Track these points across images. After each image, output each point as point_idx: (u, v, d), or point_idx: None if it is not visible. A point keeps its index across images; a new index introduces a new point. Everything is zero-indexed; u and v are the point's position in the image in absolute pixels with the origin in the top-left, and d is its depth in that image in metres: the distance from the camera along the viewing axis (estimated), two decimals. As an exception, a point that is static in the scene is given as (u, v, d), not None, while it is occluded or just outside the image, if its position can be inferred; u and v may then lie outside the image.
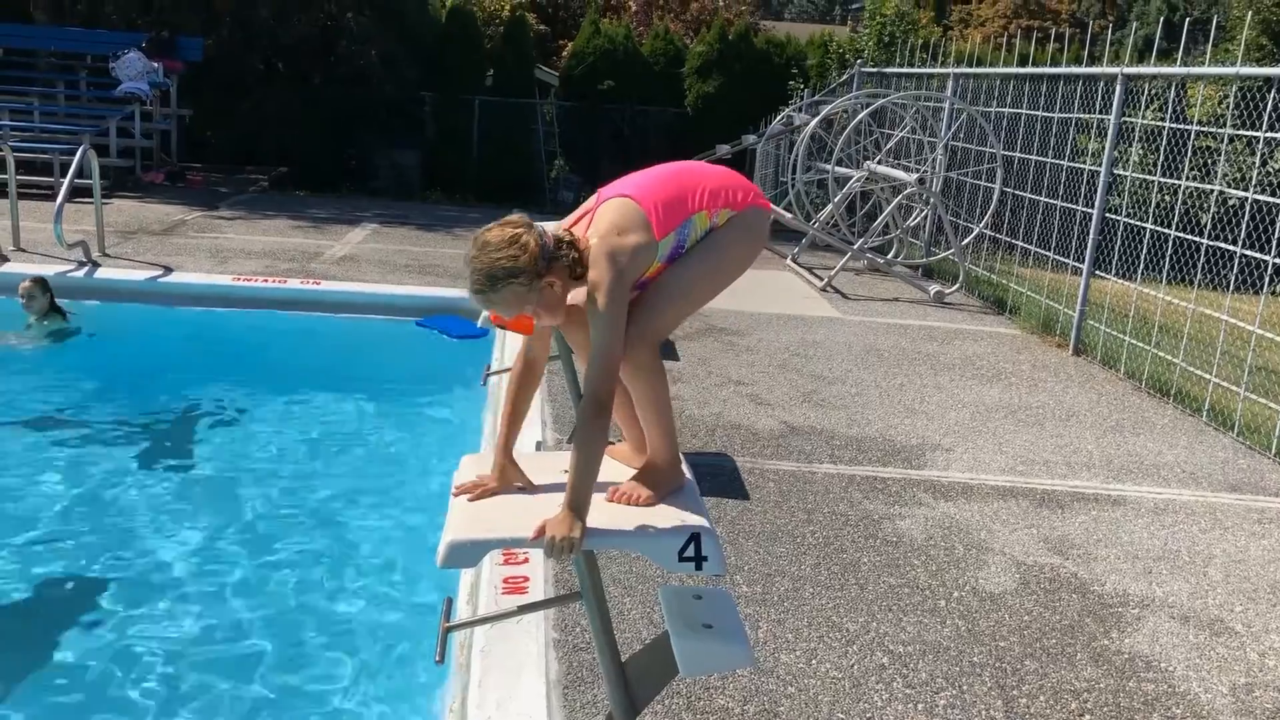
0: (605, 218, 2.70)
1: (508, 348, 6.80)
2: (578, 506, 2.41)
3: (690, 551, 2.42)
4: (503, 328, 2.80)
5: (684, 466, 2.84)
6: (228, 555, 4.50)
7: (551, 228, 2.68)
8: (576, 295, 2.68)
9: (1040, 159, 9.07)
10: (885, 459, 5.25)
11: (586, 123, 17.46)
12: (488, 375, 5.79)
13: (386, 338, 7.93)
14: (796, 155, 11.48)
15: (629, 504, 2.63)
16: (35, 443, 5.65)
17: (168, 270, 8.45)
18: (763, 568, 3.92)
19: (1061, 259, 8.44)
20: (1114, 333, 7.53)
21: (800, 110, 14.12)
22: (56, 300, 7.23)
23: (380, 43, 16.32)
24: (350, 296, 8.22)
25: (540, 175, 17.97)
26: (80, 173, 8.97)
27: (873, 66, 13.78)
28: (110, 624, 3.92)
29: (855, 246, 10.13)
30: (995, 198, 9.81)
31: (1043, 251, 8.83)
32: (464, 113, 17.38)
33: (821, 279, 9.83)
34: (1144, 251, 7.29)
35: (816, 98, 14.55)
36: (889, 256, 10.80)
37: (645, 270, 2.71)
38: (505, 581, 3.61)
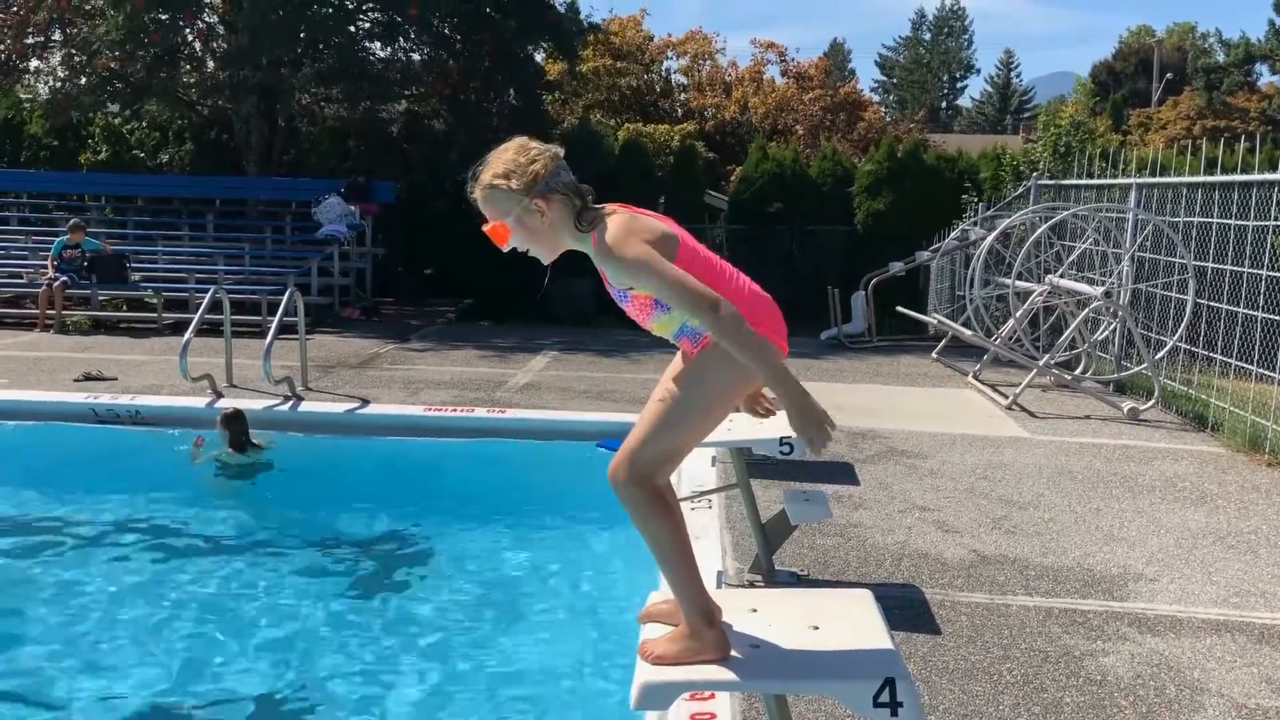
0: (650, 223, 2.65)
1: (685, 474, 6.86)
2: (787, 383, 2.44)
3: (885, 697, 2.36)
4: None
5: (717, 628, 2.55)
6: (418, 677, 4.62)
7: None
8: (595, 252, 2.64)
9: (1236, 268, 8.66)
10: (1084, 590, 5.00)
11: (756, 244, 17.67)
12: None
13: (569, 461, 8.10)
14: (974, 270, 11.32)
15: (643, 658, 2.51)
16: (229, 570, 5.99)
17: (365, 402, 8.92)
18: (959, 708, 3.77)
19: (1267, 372, 7.97)
20: (1333, 450, 7.02)
21: (975, 224, 13.96)
22: (250, 433, 7.73)
23: (558, 178, 17.06)
24: (533, 424, 8.47)
25: (712, 297, 18.23)
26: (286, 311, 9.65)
27: (1049, 178, 13.55)
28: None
29: (1041, 363, 9.83)
30: (1189, 309, 9.39)
31: (1245, 365, 8.36)
32: (637, 240, 17.88)
33: (1006, 396, 9.55)
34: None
35: (991, 211, 14.37)
36: (1076, 372, 10.43)
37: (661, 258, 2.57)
38: (692, 718, 3.59)
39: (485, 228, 2.67)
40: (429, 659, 4.86)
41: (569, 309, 16.44)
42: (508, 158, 2.63)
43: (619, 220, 2.61)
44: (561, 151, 2.68)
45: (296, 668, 4.76)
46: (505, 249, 2.74)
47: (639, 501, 2.64)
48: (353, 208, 15.78)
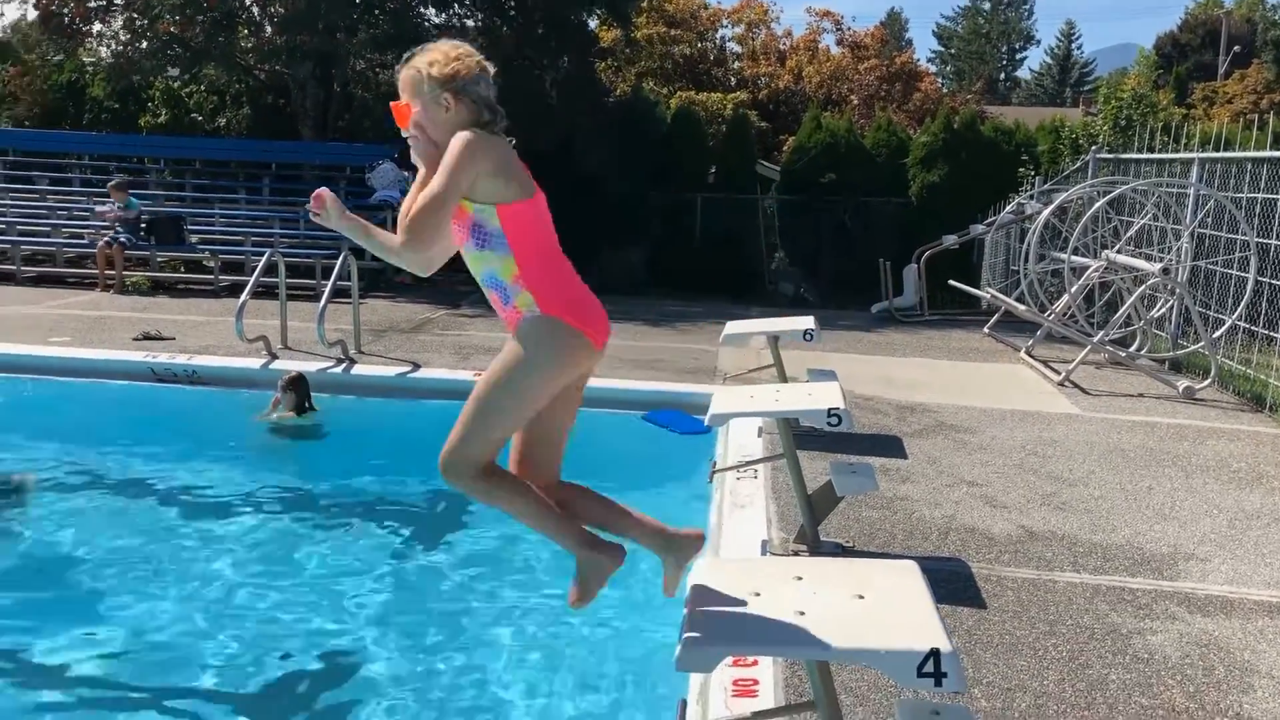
0: (516, 164, 2.86)
1: (731, 444, 6.87)
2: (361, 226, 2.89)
3: (929, 667, 2.37)
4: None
5: (604, 546, 2.99)
6: (454, 643, 4.71)
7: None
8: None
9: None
10: (1133, 568, 4.96)
11: (807, 215, 17.55)
12: (714, 472, 5.86)
13: (614, 431, 8.14)
14: (1029, 244, 11.17)
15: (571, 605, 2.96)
16: (285, 528, 6.11)
17: (415, 366, 9.02)
18: (1002, 682, 3.77)
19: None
20: (1395, 433, 6.87)
21: (1031, 198, 13.76)
22: (311, 396, 7.86)
23: (610, 147, 17.05)
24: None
25: (760, 268, 18.16)
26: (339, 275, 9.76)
27: (1109, 152, 13.30)
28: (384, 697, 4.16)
29: (1095, 339, 9.70)
30: (1249, 287, 9.20)
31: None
32: (687, 210, 17.85)
33: (1058, 373, 9.44)
34: None
35: (1048, 185, 14.15)
36: (1131, 349, 10.27)
37: (476, 182, 2.77)
38: (735, 684, 3.62)
39: (393, 103, 2.87)
40: (473, 615, 4.94)
41: (621, 278, 16.47)
42: (440, 50, 2.83)
43: (483, 135, 2.78)
44: (492, 68, 2.88)
45: (348, 621, 4.87)
46: (403, 132, 2.89)
47: (474, 489, 2.84)
48: (406, 173, 15.88)
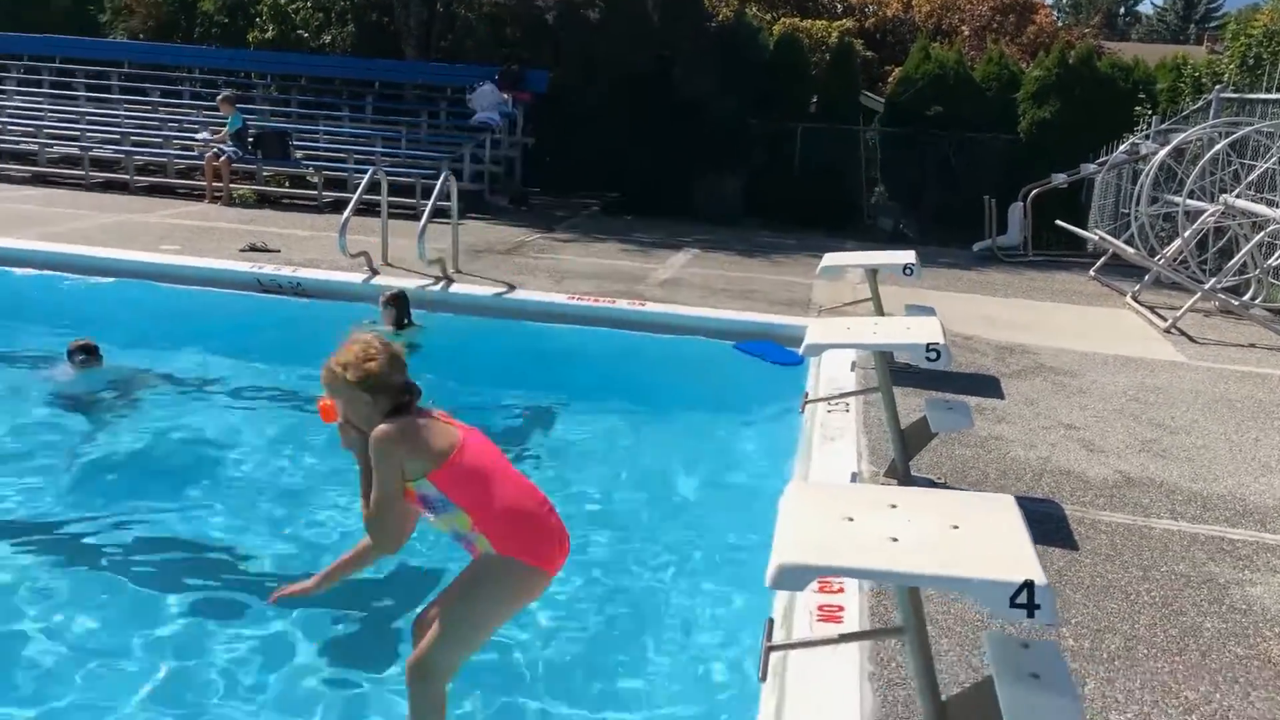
0: (428, 436, 3.11)
1: (823, 376, 6.84)
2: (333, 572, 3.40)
3: (1023, 598, 2.35)
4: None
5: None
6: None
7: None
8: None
9: None
10: (1235, 519, 4.84)
11: (911, 149, 17.14)
12: (805, 403, 5.85)
13: (705, 359, 8.16)
14: (1142, 186, 10.79)
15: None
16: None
17: (511, 287, 9.11)
18: (1091, 623, 3.73)
19: None
20: None
21: (1147, 138, 13.24)
22: (411, 313, 8.00)
23: (711, 72, 16.82)
24: (673, 318, 8.52)
25: (859, 202, 17.85)
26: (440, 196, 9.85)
27: (1234, 91, 12.68)
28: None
29: (1207, 286, 9.37)
30: (1379, 237, 8.77)
31: None
32: (787, 140, 17.57)
33: (1165, 319, 9.16)
34: None
35: (1166, 125, 13.58)
36: (1245, 298, 9.90)
37: (404, 466, 3.07)
38: (820, 609, 3.65)
39: (318, 400, 3.18)
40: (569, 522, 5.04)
41: (716, 208, 16.34)
42: (351, 353, 3.09)
43: (394, 424, 3.06)
44: (403, 351, 3.16)
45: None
46: (330, 424, 3.20)
47: (427, 695, 3.05)
48: (505, 96, 15.88)
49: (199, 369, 7.30)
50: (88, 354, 6.72)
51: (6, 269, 9.11)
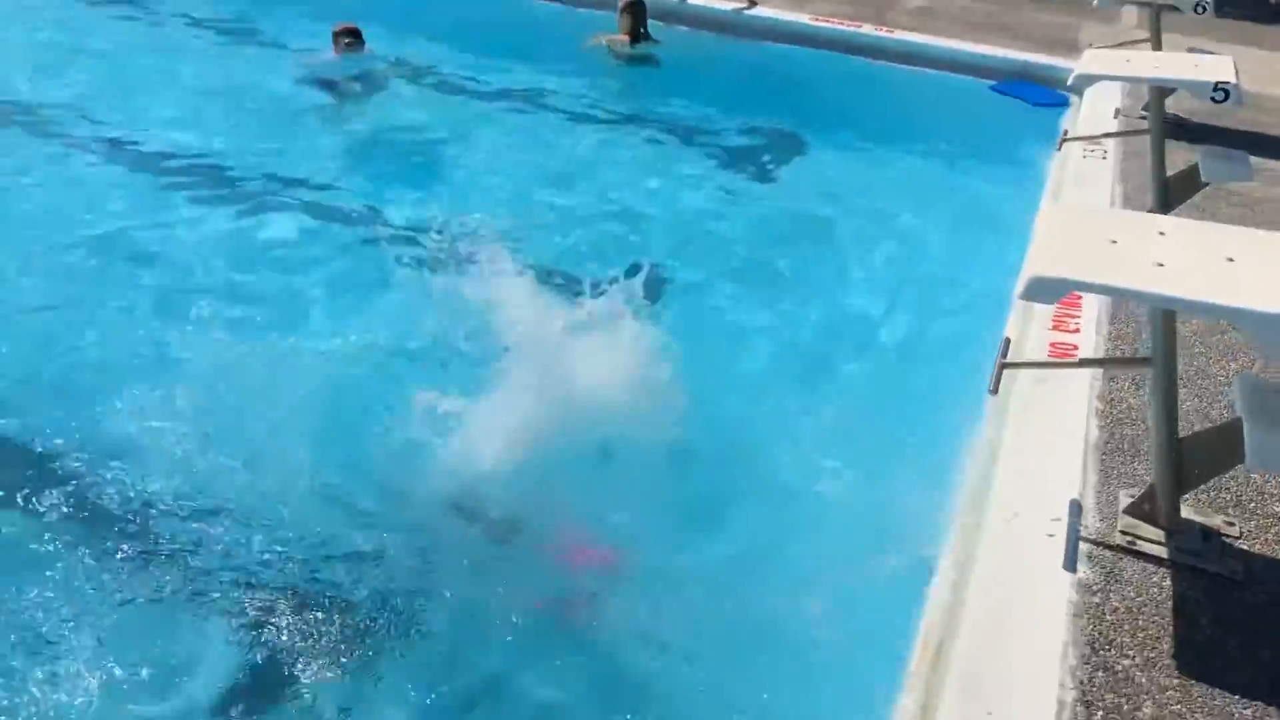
0: None
1: (1082, 121, 6.37)
2: None
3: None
4: None
5: None
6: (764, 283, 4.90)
7: None
8: None
9: None
10: None
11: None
12: (1063, 141, 5.49)
13: (959, 97, 7.66)
14: None
15: None
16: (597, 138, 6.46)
17: (752, 3, 8.73)
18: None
19: None
20: None
21: None
22: (649, 25, 7.82)
23: None
24: (924, 49, 8.00)
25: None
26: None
27: None
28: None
29: None
30: None
31: None
32: None
33: None
34: None
35: None
36: None
37: None
38: (1053, 346, 3.55)
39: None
40: (790, 255, 5.09)
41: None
42: None
43: None
44: None
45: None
46: None
47: None
48: None
49: (426, 62, 7.46)
50: (353, 37, 6.98)
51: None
